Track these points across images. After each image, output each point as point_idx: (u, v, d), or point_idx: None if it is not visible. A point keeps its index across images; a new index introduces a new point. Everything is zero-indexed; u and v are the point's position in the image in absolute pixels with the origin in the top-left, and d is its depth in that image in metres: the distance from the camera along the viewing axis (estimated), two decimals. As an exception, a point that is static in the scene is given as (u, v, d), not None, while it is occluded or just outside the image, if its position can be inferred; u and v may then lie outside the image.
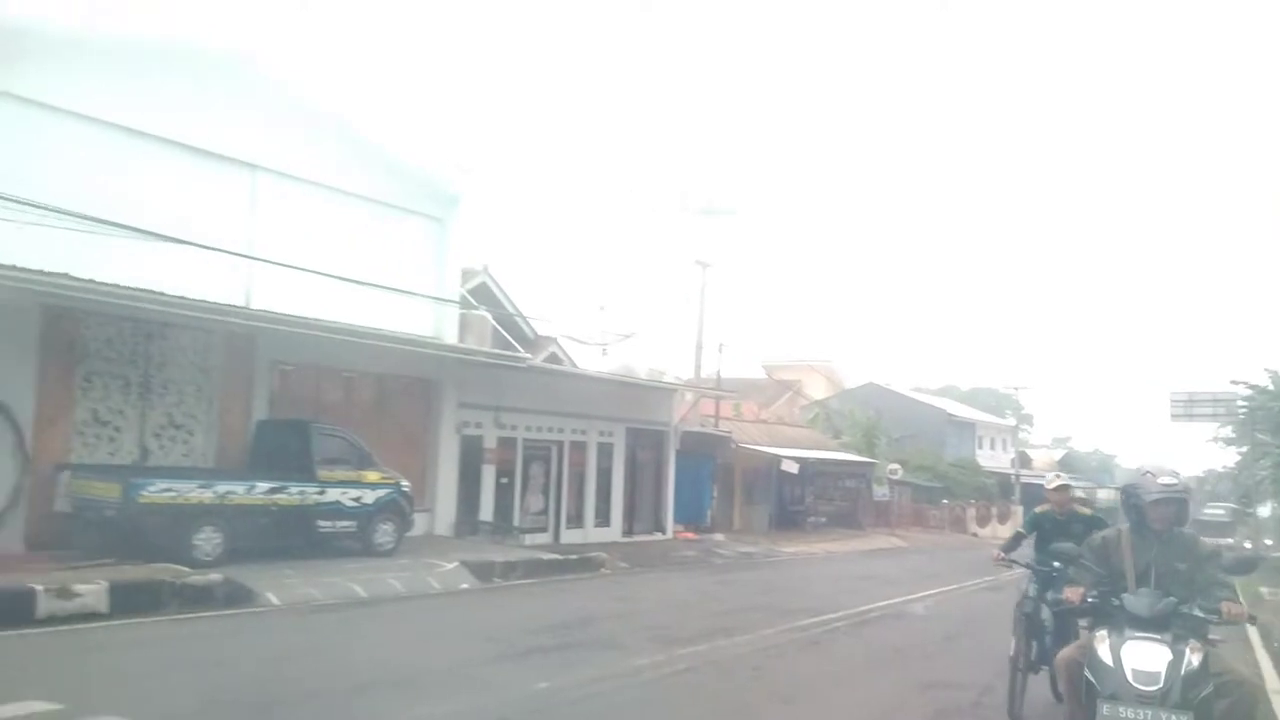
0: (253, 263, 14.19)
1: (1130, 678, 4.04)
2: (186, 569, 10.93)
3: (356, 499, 13.95)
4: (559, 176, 70.00)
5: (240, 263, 13.99)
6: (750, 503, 30.16)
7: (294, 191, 15.48)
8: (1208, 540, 4.83)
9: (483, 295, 21.84)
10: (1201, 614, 4.25)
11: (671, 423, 24.08)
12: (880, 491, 36.51)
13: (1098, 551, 4.70)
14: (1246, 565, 4.96)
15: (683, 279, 25.85)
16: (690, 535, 23.77)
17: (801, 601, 13.61)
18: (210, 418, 14.37)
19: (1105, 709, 4.05)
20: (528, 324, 23.25)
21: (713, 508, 26.43)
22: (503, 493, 19.32)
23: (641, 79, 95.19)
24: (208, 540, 11.88)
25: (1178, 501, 4.52)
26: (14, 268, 10.96)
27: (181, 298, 12.63)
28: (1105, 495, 42.76)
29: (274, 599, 10.62)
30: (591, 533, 21.10)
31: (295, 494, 13.17)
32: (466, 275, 21.19)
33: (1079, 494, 11.15)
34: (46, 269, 11.36)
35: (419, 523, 16.38)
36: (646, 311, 52.18)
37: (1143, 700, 3.97)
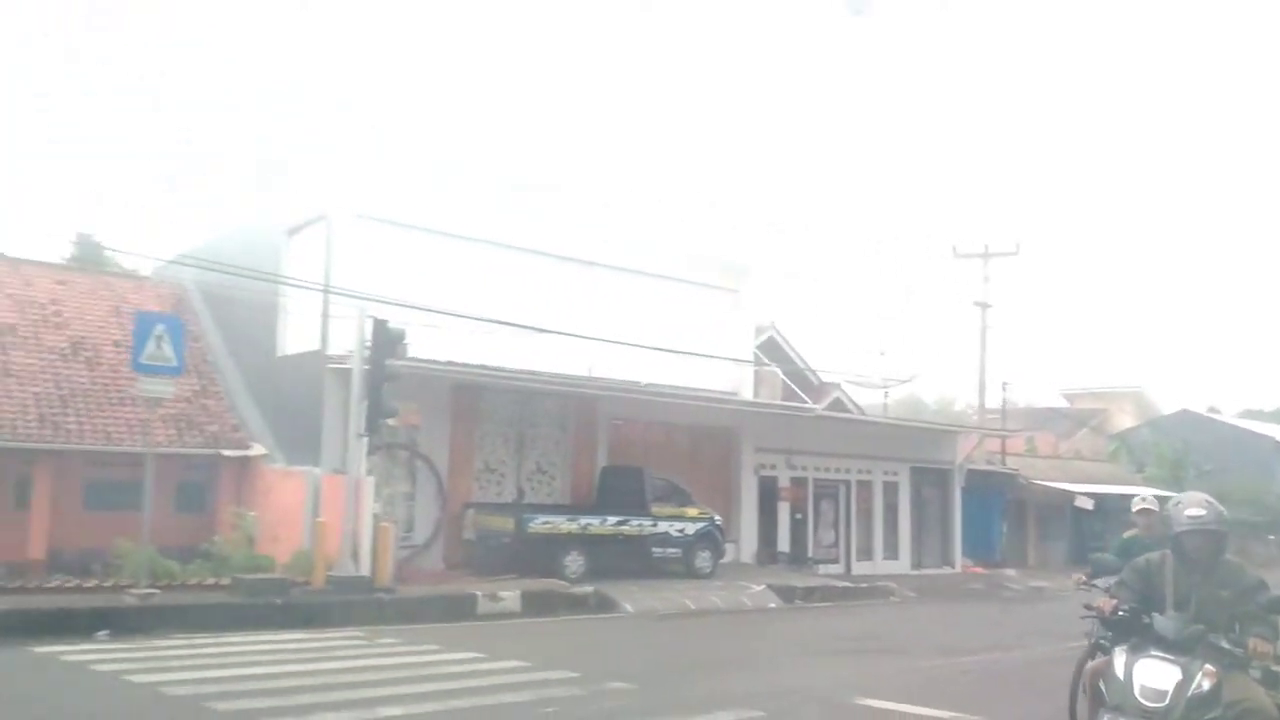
0: (591, 342, 17.94)
1: (1137, 692, 4.23)
2: (565, 583, 14.53)
3: (680, 530, 17.14)
4: (834, 228, 72.44)
5: (582, 342, 17.79)
6: (1045, 539, 30.49)
7: (620, 280, 19.19)
8: (1254, 572, 4.78)
9: (771, 348, 24.73)
10: (1228, 646, 4.29)
11: (956, 461, 25.51)
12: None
13: (1141, 573, 4.82)
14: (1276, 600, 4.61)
15: (965, 316, 27.05)
16: (979, 570, 24.94)
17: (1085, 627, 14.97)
18: (566, 464, 18.29)
19: (1105, 718, 4.36)
20: (813, 373, 25.79)
21: (1003, 543, 27.33)
22: (797, 527, 21.91)
23: (904, 127, 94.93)
24: (574, 561, 15.48)
25: (1209, 534, 4.54)
26: (433, 360, 15.23)
27: (545, 373, 16.55)
28: None
29: (629, 607, 13.90)
30: (880, 565, 23.09)
31: (634, 526, 16.57)
32: (757, 331, 24.15)
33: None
34: (455, 359, 15.61)
35: (728, 552, 19.35)
36: (928, 351, 52.81)
37: (1144, 715, 4.16)
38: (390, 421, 13.86)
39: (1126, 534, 7.45)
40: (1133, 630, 4.48)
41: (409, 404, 15.35)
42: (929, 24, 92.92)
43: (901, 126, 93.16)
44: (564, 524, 15.76)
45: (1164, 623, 4.37)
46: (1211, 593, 4.52)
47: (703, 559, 17.38)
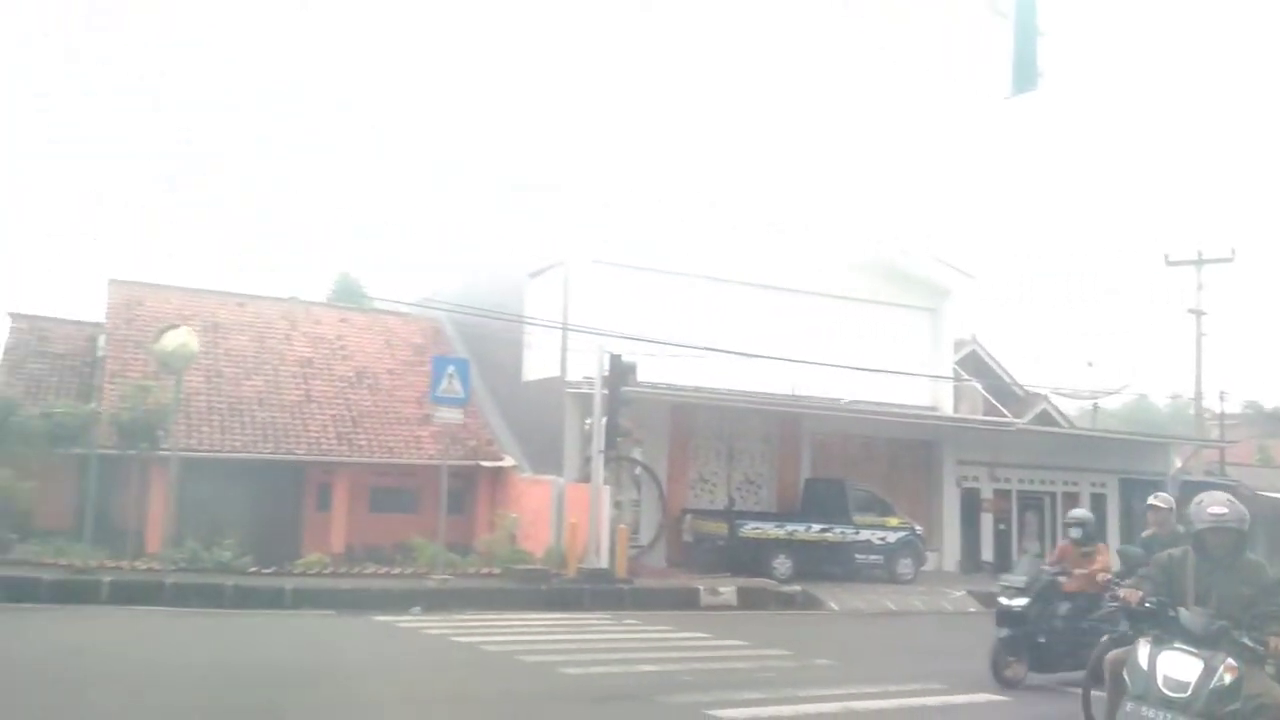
0: (795, 363, 19.79)
1: (1160, 683, 4.36)
2: (774, 583, 16.48)
3: (881, 539, 18.66)
4: (1042, 241, 70.26)
5: (786, 364, 19.67)
6: (1276, 551, 29.35)
7: (822, 304, 20.92)
8: (1275, 571, 4.90)
9: (973, 362, 25.60)
10: (1250, 643, 4.41)
11: (1169, 472, 25.34)
12: None
13: (1163, 567, 5.04)
14: None
15: (1179, 324, 26.60)
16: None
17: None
18: (772, 476, 20.25)
19: (1129, 706, 4.47)
20: (1018, 386, 26.40)
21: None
22: (1000, 537, 22.76)
23: (1119, 134, 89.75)
24: (782, 564, 17.39)
25: (1228, 531, 4.70)
26: (655, 384, 17.59)
27: (752, 393, 18.56)
28: None
29: (834, 606, 15.65)
30: (1088, 576, 23.43)
31: (837, 533, 18.27)
32: (958, 345, 25.11)
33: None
34: (673, 383, 17.93)
35: (930, 560, 20.60)
36: (1141, 361, 50.47)
37: (1166, 704, 4.30)
38: (628, 433, 16.37)
39: (1145, 532, 8.30)
40: (1157, 622, 4.68)
41: (635, 422, 17.77)
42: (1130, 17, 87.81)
43: (1116, 133, 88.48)
44: (772, 530, 17.72)
45: (1190, 617, 4.53)
46: (1232, 589, 4.67)
47: (904, 565, 18.80)
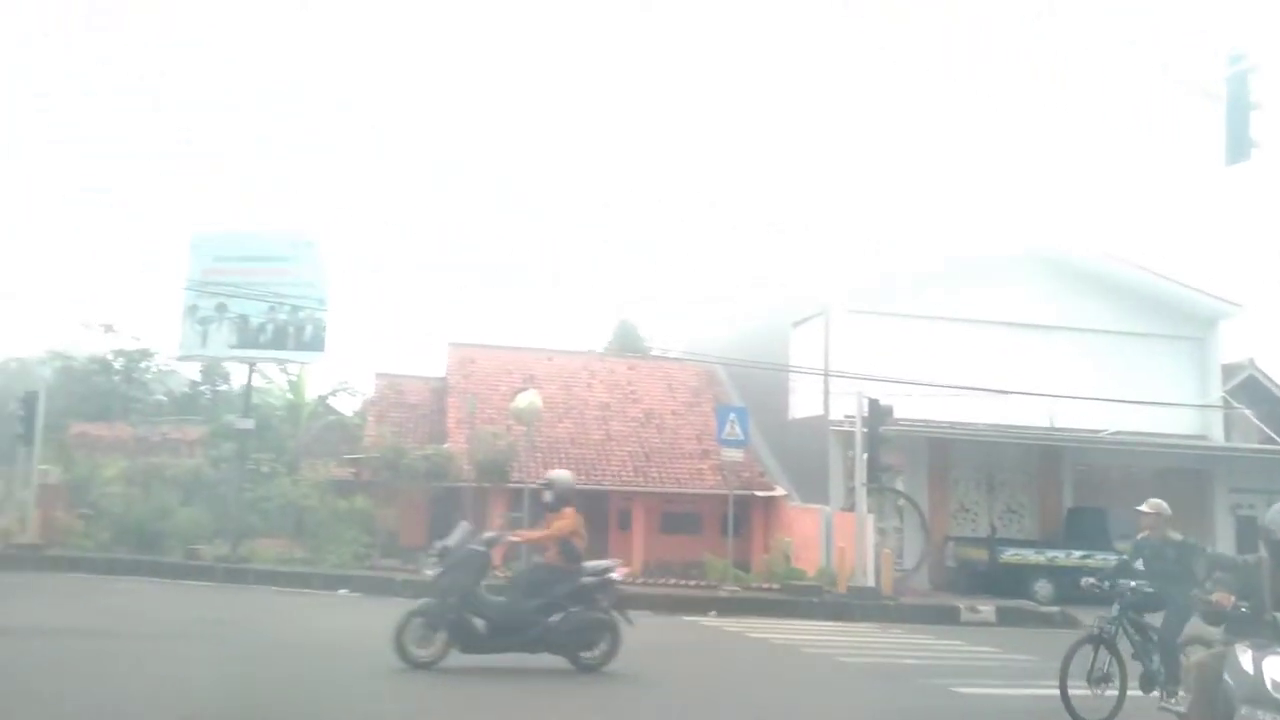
0: (1052, 398, 21.05)
1: (1270, 687, 4.39)
2: (1034, 604, 17.95)
3: (1146, 566, 19.45)
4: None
5: (1044, 398, 20.98)
6: None
7: (1081, 340, 22.01)
8: None
9: (1251, 387, 25.20)
10: None
11: None
12: None
13: (1241, 573, 5.43)
14: None
15: None
16: None
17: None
18: (1033, 505, 21.55)
19: (1244, 710, 4.49)
20: (1306, 410, 25.61)
21: None
22: (1287, 568, 22.44)
23: None
24: (1042, 587, 18.76)
25: None
26: (913, 420, 19.60)
27: (1009, 427, 20.09)
28: None
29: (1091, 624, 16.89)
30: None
31: (1099, 559, 19.30)
32: (1233, 371, 24.91)
33: None
34: (931, 418, 19.85)
35: (1203, 588, 20.94)
36: None
37: (1276, 705, 4.32)
38: (888, 468, 18.56)
39: (1139, 535, 8.73)
40: (1249, 627, 4.84)
41: (895, 455, 19.88)
42: None
43: None
44: (1032, 555, 19.15)
45: None
46: None
47: (1173, 592, 19.44)
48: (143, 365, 48.09)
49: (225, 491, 20.83)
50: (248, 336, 19.50)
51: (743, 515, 23.24)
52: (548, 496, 9.68)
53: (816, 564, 19.38)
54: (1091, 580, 8.96)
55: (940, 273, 21.53)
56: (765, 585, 17.98)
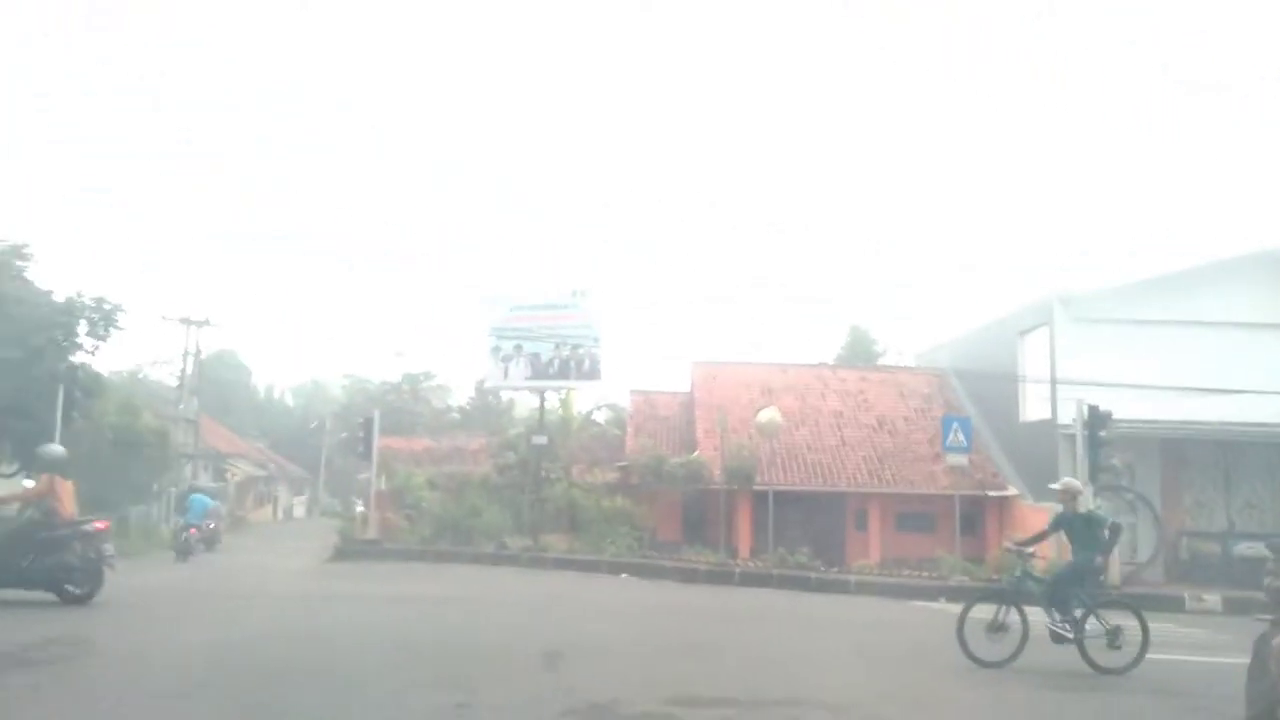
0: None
1: None
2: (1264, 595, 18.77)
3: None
4: None
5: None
6: None
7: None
8: None
9: None
10: None
11: None
12: None
13: None
14: None
15: None
16: None
17: None
18: (1274, 500, 21.99)
19: None
20: None
21: None
22: None
23: None
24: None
25: None
26: (1140, 420, 20.77)
27: (1244, 423, 20.82)
28: None
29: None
30: None
31: (1342, 555, 19.74)
32: None
33: None
34: (1159, 418, 20.96)
35: None
36: None
37: None
38: (1113, 467, 19.93)
39: (1061, 509, 10.69)
40: None
41: (1125, 454, 21.17)
42: None
43: None
44: (1264, 548, 19.83)
45: None
46: None
47: None
48: (424, 385, 55.31)
49: (519, 494, 25.17)
50: (539, 369, 23.85)
51: (977, 514, 25.00)
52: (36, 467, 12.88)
53: (1049, 559, 20.97)
54: (1010, 546, 11.72)
55: (1165, 277, 22.45)
56: (993, 576, 19.89)
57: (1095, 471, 18.78)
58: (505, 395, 45.27)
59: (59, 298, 20.94)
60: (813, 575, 19.04)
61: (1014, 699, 8.58)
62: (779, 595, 17.68)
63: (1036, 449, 23.46)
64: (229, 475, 45.72)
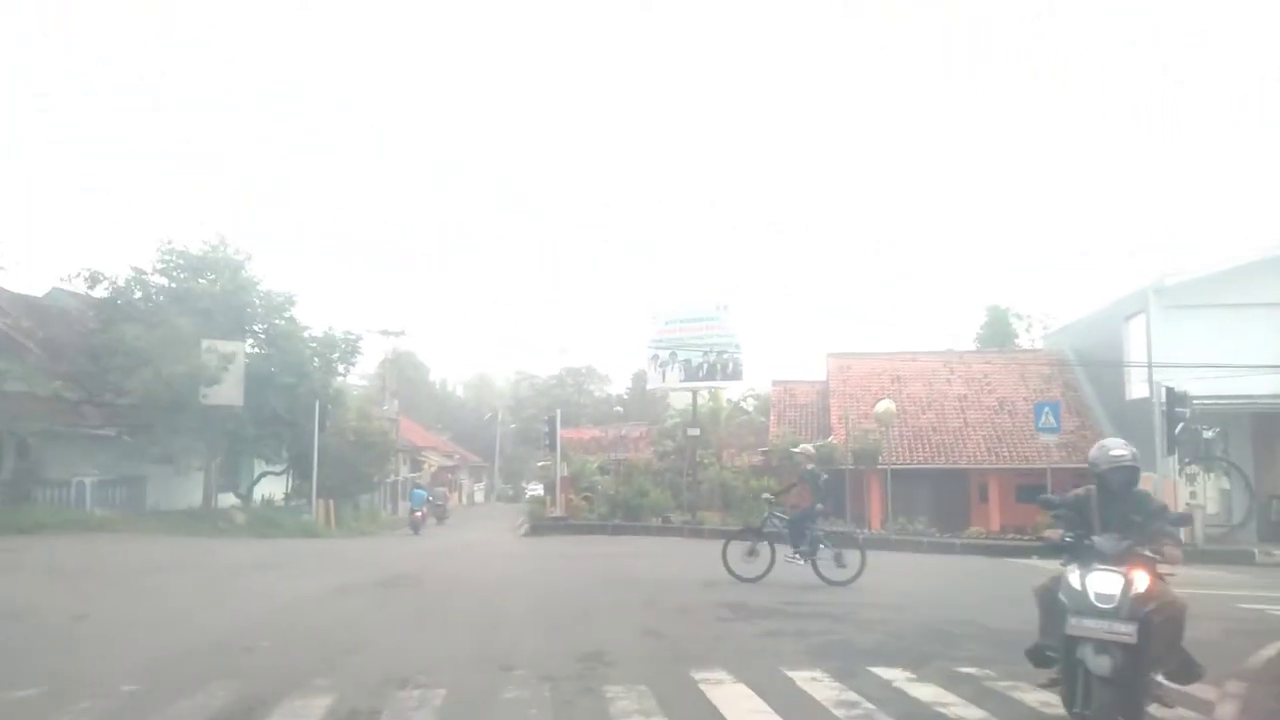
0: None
1: (1093, 599, 5.41)
2: (1341, 551, 21.70)
3: None
4: None
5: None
6: None
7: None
8: (1157, 499, 6.14)
9: None
10: (1151, 555, 5.54)
11: None
12: None
13: (1073, 505, 6.09)
14: (1184, 520, 6.60)
15: None
16: None
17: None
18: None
19: (1072, 620, 5.47)
20: None
21: None
22: None
23: None
24: (1358, 539, 22.28)
25: (1127, 469, 5.87)
26: (1234, 395, 23.76)
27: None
28: None
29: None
30: None
31: None
32: None
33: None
34: (1250, 393, 23.90)
35: None
36: None
37: (1100, 614, 5.36)
38: (1203, 439, 23.11)
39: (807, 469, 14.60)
40: (1077, 552, 5.66)
41: (1217, 427, 24.27)
42: None
43: None
44: (1344, 510, 22.67)
45: (1103, 542, 5.59)
46: (1127, 519, 5.77)
47: None
48: (586, 379, 61.29)
49: (677, 477, 30.17)
50: (690, 373, 28.87)
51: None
52: None
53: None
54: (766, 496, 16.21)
55: (1249, 264, 25.15)
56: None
57: (1171, 444, 22.10)
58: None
59: (316, 332, 27.43)
60: (925, 539, 23.20)
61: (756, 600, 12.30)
62: (890, 555, 21.98)
63: (1139, 424, 26.62)
64: (425, 466, 52.77)
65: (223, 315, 26.19)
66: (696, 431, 29.11)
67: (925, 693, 6.99)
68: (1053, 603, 5.77)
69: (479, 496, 68.91)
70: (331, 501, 30.02)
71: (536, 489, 48.72)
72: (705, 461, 30.40)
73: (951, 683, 7.30)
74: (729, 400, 38.02)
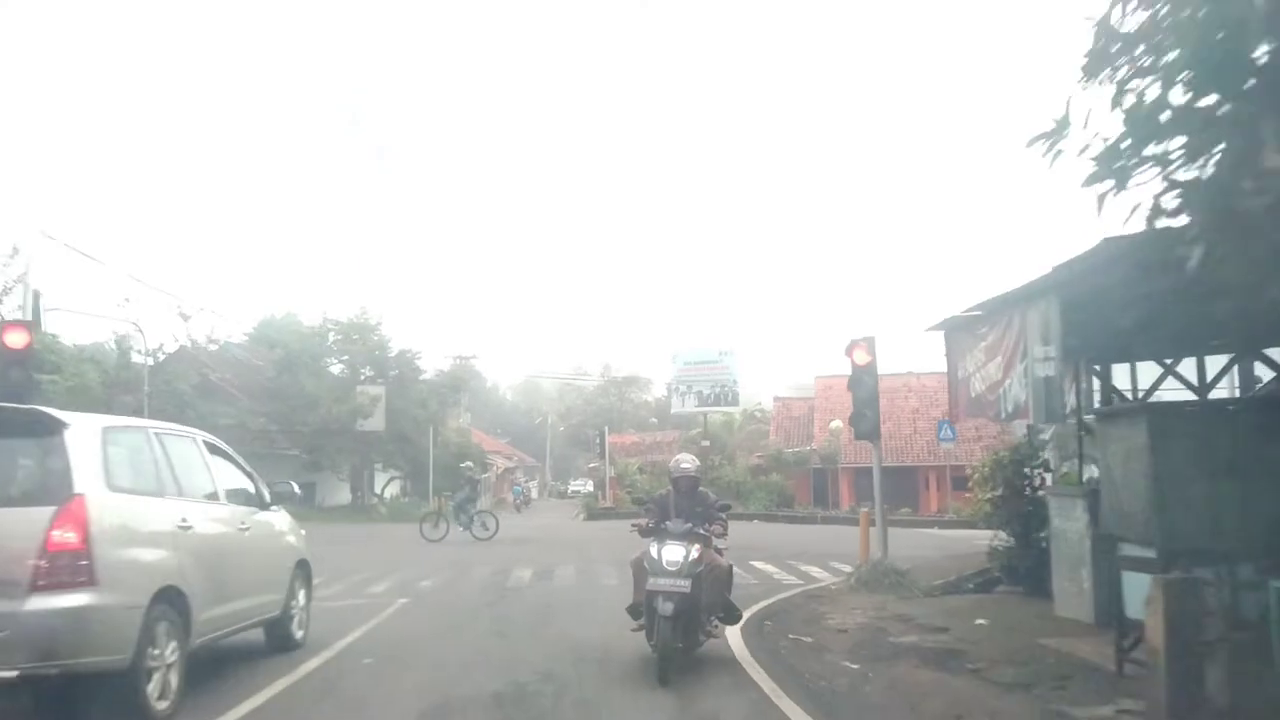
0: None
1: (664, 564, 8.05)
2: None
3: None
4: None
5: None
6: None
7: None
8: (716, 496, 9.23)
9: None
10: (703, 533, 8.37)
11: None
12: None
13: (658, 501, 9.03)
14: (727, 509, 9.14)
15: None
16: None
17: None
18: None
19: (650, 580, 8.07)
20: None
21: None
22: None
23: None
24: None
25: (691, 477, 8.86)
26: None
27: None
28: None
29: None
30: None
31: None
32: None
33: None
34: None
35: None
36: None
37: (669, 574, 7.97)
38: None
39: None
40: (657, 533, 8.44)
41: None
42: None
43: None
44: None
45: (673, 526, 8.37)
46: (692, 510, 8.63)
47: None
48: (628, 388, 72.81)
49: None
50: (703, 399, 40.76)
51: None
52: None
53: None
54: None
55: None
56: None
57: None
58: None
59: (429, 375, 39.58)
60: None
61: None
62: (838, 528, 32.97)
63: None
64: (492, 468, 64.64)
65: (366, 364, 38.32)
66: (707, 443, 40.59)
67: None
68: (641, 570, 8.38)
69: (533, 494, 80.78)
70: (444, 496, 41.66)
71: (586, 485, 60.25)
72: (718, 464, 41.93)
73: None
74: (743, 411, 49.38)
